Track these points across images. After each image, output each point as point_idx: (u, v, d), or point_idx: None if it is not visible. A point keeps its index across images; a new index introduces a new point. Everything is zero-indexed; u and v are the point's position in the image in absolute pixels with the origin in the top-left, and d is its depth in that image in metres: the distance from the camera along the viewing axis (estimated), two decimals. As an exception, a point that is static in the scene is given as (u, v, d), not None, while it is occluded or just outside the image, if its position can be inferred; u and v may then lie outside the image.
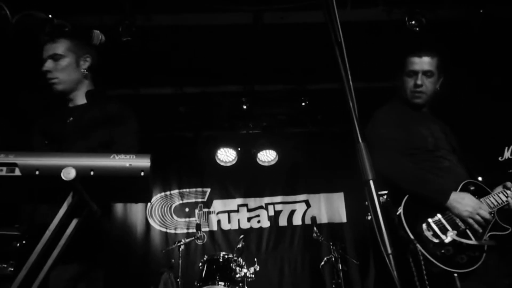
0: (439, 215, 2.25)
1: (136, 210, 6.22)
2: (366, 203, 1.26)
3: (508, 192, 2.34)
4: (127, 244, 6.01)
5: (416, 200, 2.28)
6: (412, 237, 2.14)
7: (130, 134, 2.19)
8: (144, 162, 1.38)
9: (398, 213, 2.24)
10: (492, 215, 2.28)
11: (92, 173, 1.34)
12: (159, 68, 4.76)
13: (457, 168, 2.47)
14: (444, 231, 2.20)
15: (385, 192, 2.68)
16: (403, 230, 2.17)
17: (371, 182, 1.24)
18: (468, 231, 2.22)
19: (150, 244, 6.12)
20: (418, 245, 2.13)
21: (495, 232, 2.26)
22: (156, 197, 6.38)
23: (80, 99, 2.31)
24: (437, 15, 4.06)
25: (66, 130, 2.20)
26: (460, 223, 2.23)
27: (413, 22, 3.91)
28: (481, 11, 3.89)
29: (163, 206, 6.35)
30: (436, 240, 2.16)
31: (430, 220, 2.23)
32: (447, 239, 2.17)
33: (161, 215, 6.29)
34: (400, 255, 2.22)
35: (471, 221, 2.21)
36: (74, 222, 1.44)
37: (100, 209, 1.49)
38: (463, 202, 2.23)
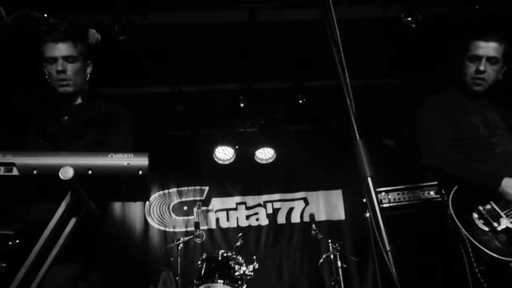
0: (492, 203, 2.16)
1: (135, 209, 6.22)
2: (364, 200, 1.25)
3: None
4: (125, 243, 6.01)
5: (467, 190, 2.20)
6: (460, 225, 2.08)
7: (123, 133, 2.20)
8: (142, 160, 1.38)
9: (448, 204, 2.17)
10: None
11: (90, 172, 1.34)
12: (156, 67, 4.75)
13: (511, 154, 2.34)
14: (497, 218, 2.11)
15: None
16: (451, 219, 2.11)
17: (369, 179, 1.25)
18: None
19: (148, 243, 6.12)
20: (466, 233, 2.06)
21: None
22: (155, 196, 6.37)
23: (76, 99, 2.32)
24: (434, 11, 4.07)
25: (61, 128, 2.20)
26: None
27: (409, 19, 3.91)
28: (477, 7, 3.89)
29: (162, 205, 6.35)
30: (487, 228, 2.08)
31: (481, 208, 2.16)
32: (500, 226, 2.08)
33: (159, 213, 6.29)
34: (449, 246, 2.19)
35: None
36: (72, 221, 1.44)
37: (98, 208, 1.49)
38: None
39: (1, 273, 1.88)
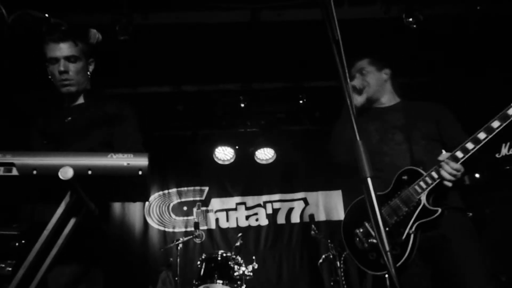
0: (365, 223, 2.30)
1: (134, 209, 6.22)
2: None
3: (441, 163, 2.17)
4: (125, 243, 6.02)
5: (357, 206, 2.40)
6: (347, 249, 2.31)
7: (132, 131, 2.19)
8: (142, 161, 1.38)
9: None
10: (417, 201, 2.19)
11: (89, 172, 1.34)
12: (156, 67, 4.75)
13: (399, 160, 2.35)
14: (368, 238, 2.25)
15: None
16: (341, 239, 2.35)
17: (369, 179, 1.25)
18: (393, 231, 2.17)
19: (148, 243, 6.12)
20: (351, 254, 2.29)
21: (422, 219, 2.16)
22: (154, 196, 6.37)
23: (79, 99, 2.32)
24: (435, 11, 4.07)
25: (65, 129, 2.20)
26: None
27: (410, 19, 3.92)
28: (478, 8, 3.89)
29: (161, 205, 6.35)
30: (362, 249, 2.25)
31: (357, 231, 2.31)
32: (367, 246, 2.24)
33: (159, 213, 6.29)
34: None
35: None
36: (72, 221, 1.44)
37: (98, 208, 1.49)
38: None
39: (5, 274, 1.88)
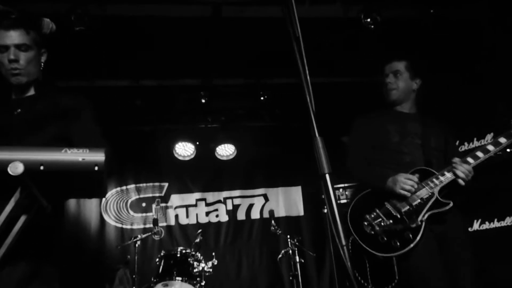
0: (376, 210, 2.45)
1: (90, 206, 6.04)
2: (323, 196, 1.28)
3: (454, 164, 2.46)
4: (80, 241, 5.83)
5: (366, 197, 2.56)
6: (352, 231, 2.42)
7: (91, 125, 2.12)
8: (98, 156, 1.34)
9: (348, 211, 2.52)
10: (430, 195, 2.43)
11: (42, 167, 1.29)
12: (114, 60, 4.61)
13: (417, 162, 2.61)
14: (380, 222, 2.40)
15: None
16: (347, 225, 2.45)
17: (327, 175, 1.27)
18: (404, 217, 2.39)
19: (105, 240, 5.96)
20: (357, 238, 2.39)
21: (434, 210, 2.40)
22: (112, 192, 6.21)
23: (29, 90, 2.21)
24: (394, 13, 4.20)
25: (14, 122, 2.08)
26: (394, 212, 2.42)
27: (368, 20, 4.02)
28: (431, 11, 4.05)
29: (119, 201, 6.20)
30: (372, 233, 2.38)
31: (367, 216, 2.44)
32: (379, 229, 2.38)
33: (116, 210, 6.14)
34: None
35: (402, 191, 2.42)
36: (22, 218, 1.38)
37: (51, 205, 1.44)
38: (394, 179, 2.46)
39: None
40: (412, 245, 2.27)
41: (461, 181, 2.43)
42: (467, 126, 4.35)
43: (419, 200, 2.42)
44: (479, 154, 2.49)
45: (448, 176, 2.47)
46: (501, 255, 3.88)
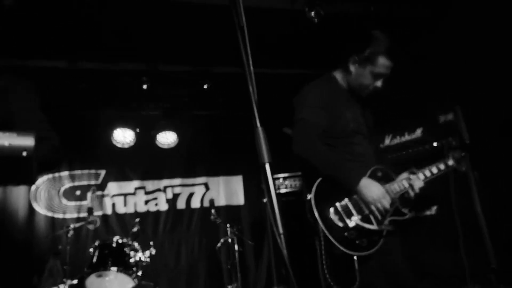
0: (346, 200, 2.31)
1: (18, 193, 5.66)
2: (262, 186, 1.30)
3: (412, 177, 2.44)
4: (7, 231, 5.47)
5: (328, 184, 2.32)
6: (319, 220, 2.21)
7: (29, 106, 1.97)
8: (26, 141, 1.26)
9: (308, 197, 2.28)
10: (393, 202, 2.38)
11: (-39, 151, 1.18)
12: (50, 39, 4.32)
13: (367, 153, 2.55)
14: (349, 215, 2.28)
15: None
16: (311, 213, 2.23)
17: (267, 165, 1.29)
18: (371, 216, 2.32)
19: (34, 230, 5.63)
20: (323, 227, 2.20)
21: (395, 217, 2.38)
22: (43, 179, 5.87)
23: None
24: (337, 8, 4.30)
25: None
26: (364, 208, 2.32)
27: (312, 14, 4.09)
28: (372, 8, 4.20)
29: (51, 189, 5.88)
30: (341, 224, 2.24)
31: (337, 204, 2.29)
32: (351, 224, 2.27)
33: (47, 198, 5.82)
34: (307, 237, 2.35)
35: (373, 207, 2.32)
36: None
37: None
38: (370, 188, 2.30)
39: None
40: (375, 248, 2.25)
41: (412, 194, 2.42)
42: (400, 120, 4.60)
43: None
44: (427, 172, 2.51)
45: (406, 186, 2.43)
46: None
